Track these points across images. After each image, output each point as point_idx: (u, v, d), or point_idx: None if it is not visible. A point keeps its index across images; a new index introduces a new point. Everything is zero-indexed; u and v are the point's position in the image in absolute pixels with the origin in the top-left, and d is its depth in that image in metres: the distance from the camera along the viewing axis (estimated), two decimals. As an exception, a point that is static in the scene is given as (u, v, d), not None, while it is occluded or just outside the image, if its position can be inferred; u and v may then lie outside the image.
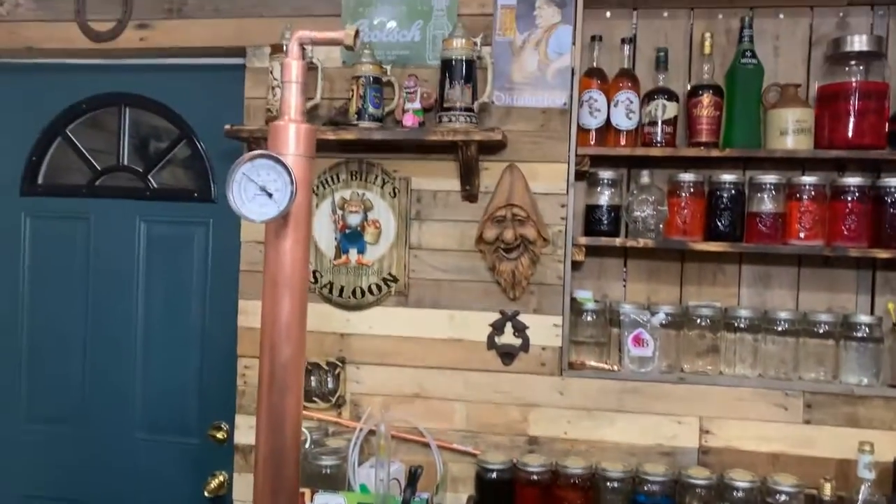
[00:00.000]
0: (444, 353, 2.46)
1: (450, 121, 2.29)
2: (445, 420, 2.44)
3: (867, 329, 2.32)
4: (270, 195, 1.03)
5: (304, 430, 2.34)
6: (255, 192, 1.04)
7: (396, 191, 2.47)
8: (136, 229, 2.83)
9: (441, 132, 2.28)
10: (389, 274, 2.48)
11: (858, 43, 2.29)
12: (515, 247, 2.36)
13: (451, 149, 2.37)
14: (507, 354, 2.43)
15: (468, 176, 2.39)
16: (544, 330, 2.41)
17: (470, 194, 2.43)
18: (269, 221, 1.05)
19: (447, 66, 2.31)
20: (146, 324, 2.82)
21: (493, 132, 2.27)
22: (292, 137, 1.09)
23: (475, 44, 2.31)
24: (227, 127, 2.40)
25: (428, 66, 2.44)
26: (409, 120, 2.37)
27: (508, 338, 2.43)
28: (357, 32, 1.13)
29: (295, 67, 1.12)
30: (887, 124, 2.31)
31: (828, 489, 2.10)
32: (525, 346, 2.42)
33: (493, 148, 2.38)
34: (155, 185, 2.84)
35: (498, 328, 2.44)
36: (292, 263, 1.07)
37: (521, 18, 2.40)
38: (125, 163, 2.86)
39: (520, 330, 2.42)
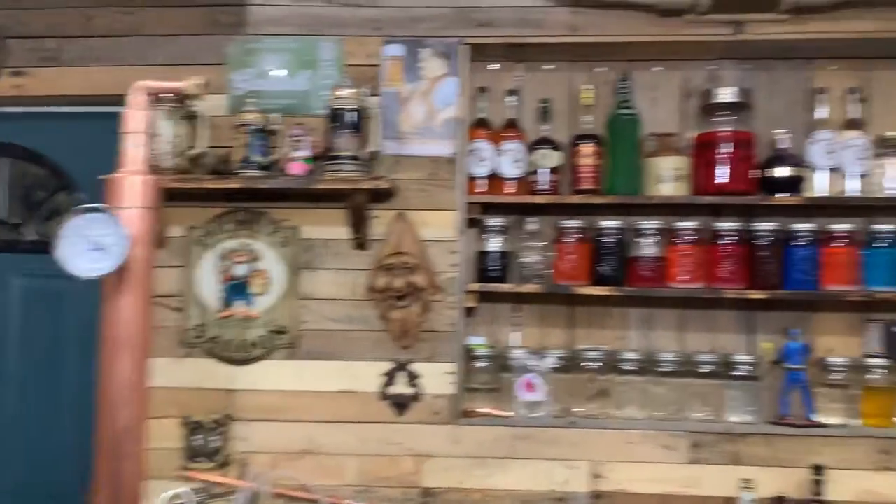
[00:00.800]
0: (336, 407, 2.40)
1: (337, 169, 2.28)
2: (336, 475, 2.37)
3: (747, 368, 2.40)
4: (103, 249, 0.98)
5: (188, 491, 2.23)
6: (86, 247, 0.99)
7: (285, 240, 2.43)
8: (11, 284, 2.68)
9: (328, 181, 2.26)
10: (279, 326, 2.42)
11: (727, 95, 2.42)
12: (406, 295, 2.34)
13: (341, 197, 2.35)
14: (400, 404, 2.39)
15: (358, 224, 2.37)
16: (437, 378, 2.39)
17: (360, 242, 2.40)
18: (101, 277, 1.00)
19: (334, 115, 2.30)
20: (20, 383, 2.65)
21: (380, 180, 2.26)
22: (132, 190, 1.04)
23: (362, 93, 2.32)
24: (103, 177, 2.31)
25: (316, 115, 2.43)
26: (296, 168, 2.34)
27: (401, 387, 2.40)
28: (204, 82, 1.10)
29: (137, 118, 1.08)
30: (756, 171, 2.43)
31: (714, 528, 2.14)
32: (418, 396, 2.39)
33: (382, 196, 2.38)
34: (32, 238, 2.70)
35: (390, 378, 2.40)
36: (132, 320, 1.02)
37: (408, 70, 2.43)
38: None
39: (413, 379, 2.39)
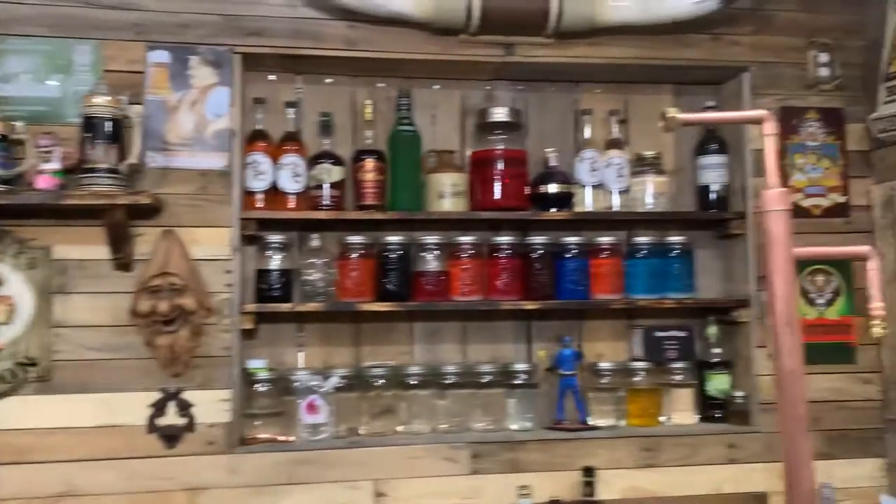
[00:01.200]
0: (97, 443, 2.18)
1: (91, 183, 2.09)
2: (98, 519, 2.16)
3: (524, 376, 2.49)
4: None
5: None
6: None
7: (33, 261, 2.18)
8: None
9: (80, 195, 2.07)
10: (27, 357, 2.16)
11: (500, 114, 2.50)
12: (174, 319, 2.19)
13: (98, 214, 2.16)
14: (171, 436, 2.22)
15: (119, 243, 2.18)
16: (212, 406, 2.25)
17: (123, 263, 2.21)
18: None
19: (89, 124, 2.11)
20: None
21: (140, 195, 2.11)
22: None
23: (121, 101, 2.15)
24: None
25: (70, 124, 2.21)
26: (44, 182, 2.12)
27: (172, 418, 2.23)
28: None
29: None
30: (529, 188, 2.53)
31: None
32: (190, 426, 2.23)
33: (146, 212, 2.21)
34: None
35: (159, 409, 2.23)
36: None
37: (175, 77, 2.28)
38: None
39: (184, 409, 2.23)
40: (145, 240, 2.24)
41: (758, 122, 1.28)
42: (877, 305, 1.31)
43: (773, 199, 1.22)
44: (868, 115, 2.53)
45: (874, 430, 2.54)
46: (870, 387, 2.55)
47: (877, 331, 1.33)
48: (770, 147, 1.25)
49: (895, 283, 2.47)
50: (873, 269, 1.32)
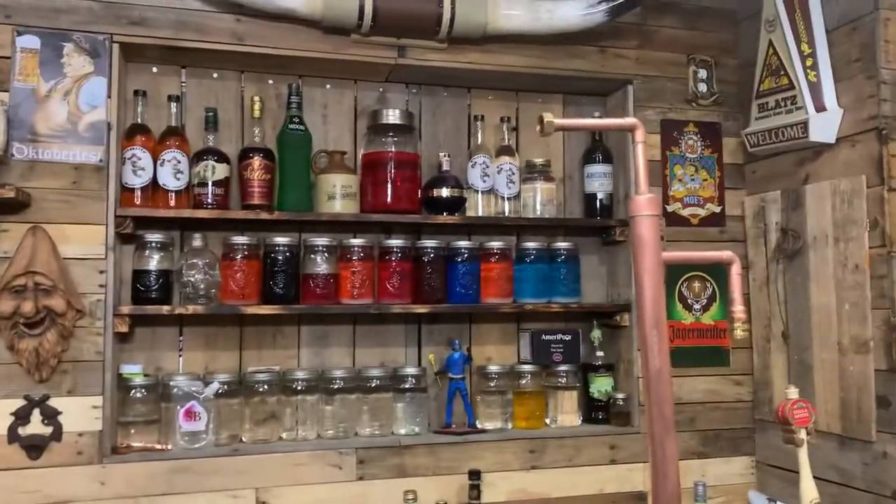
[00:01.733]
0: (-50, 455, 2.03)
1: (-53, 175, 1.94)
2: (-53, 538, 2.00)
3: (414, 380, 2.48)
4: None
5: None
6: None
7: None
8: None
9: (-66, 187, 1.91)
10: None
11: (393, 116, 2.49)
12: (40, 321, 2.05)
13: (-44, 208, 2.01)
14: (35, 447, 2.08)
15: (-22, 239, 2.03)
16: (81, 413, 2.12)
17: (-17, 261, 2.07)
18: None
19: (-54, 110, 1.96)
20: None
21: (4, 188, 1.97)
22: None
23: (-16, 88, 2.01)
24: None
25: (-74, 111, 2.05)
26: None
27: (36, 427, 2.09)
28: None
29: None
30: (421, 191, 2.53)
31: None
32: (57, 435, 2.10)
33: (11, 207, 2.06)
34: None
35: (22, 417, 2.08)
36: None
37: (47, 64, 2.15)
38: None
39: (50, 417, 2.10)
40: (10, 236, 2.09)
41: (630, 129, 1.32)
42: (738, 309, 1.37)
43: (643, 204, 1.25)
44: (742, 130, 2.66)
45: (745, 429, 2.67)
46: (741, 388, 2.68)
47: (738, 333, 1.40)
48: (640, 154, 1.29)
49: (765, 289, 2.60)
50: (735, 274, 1.38)
